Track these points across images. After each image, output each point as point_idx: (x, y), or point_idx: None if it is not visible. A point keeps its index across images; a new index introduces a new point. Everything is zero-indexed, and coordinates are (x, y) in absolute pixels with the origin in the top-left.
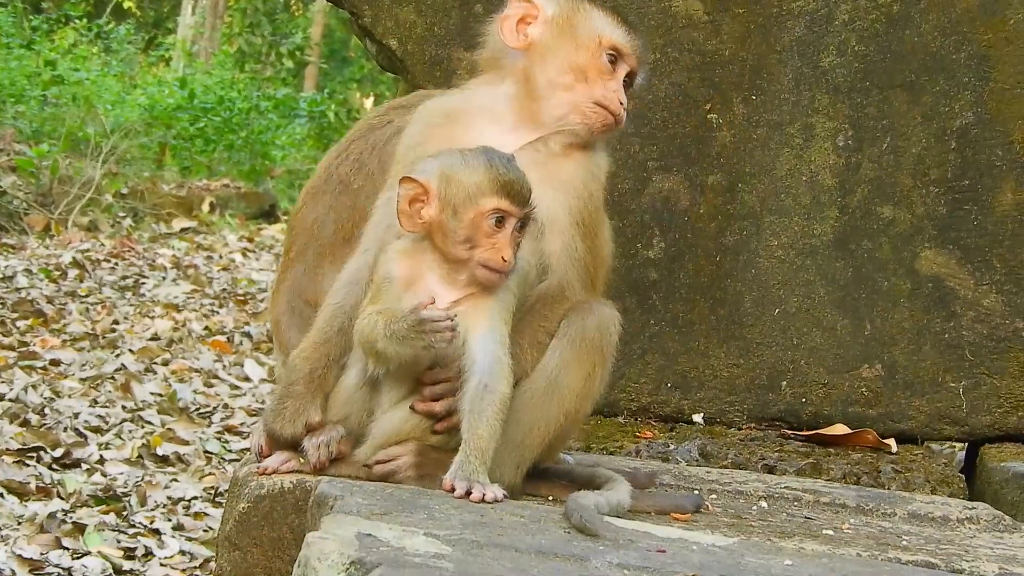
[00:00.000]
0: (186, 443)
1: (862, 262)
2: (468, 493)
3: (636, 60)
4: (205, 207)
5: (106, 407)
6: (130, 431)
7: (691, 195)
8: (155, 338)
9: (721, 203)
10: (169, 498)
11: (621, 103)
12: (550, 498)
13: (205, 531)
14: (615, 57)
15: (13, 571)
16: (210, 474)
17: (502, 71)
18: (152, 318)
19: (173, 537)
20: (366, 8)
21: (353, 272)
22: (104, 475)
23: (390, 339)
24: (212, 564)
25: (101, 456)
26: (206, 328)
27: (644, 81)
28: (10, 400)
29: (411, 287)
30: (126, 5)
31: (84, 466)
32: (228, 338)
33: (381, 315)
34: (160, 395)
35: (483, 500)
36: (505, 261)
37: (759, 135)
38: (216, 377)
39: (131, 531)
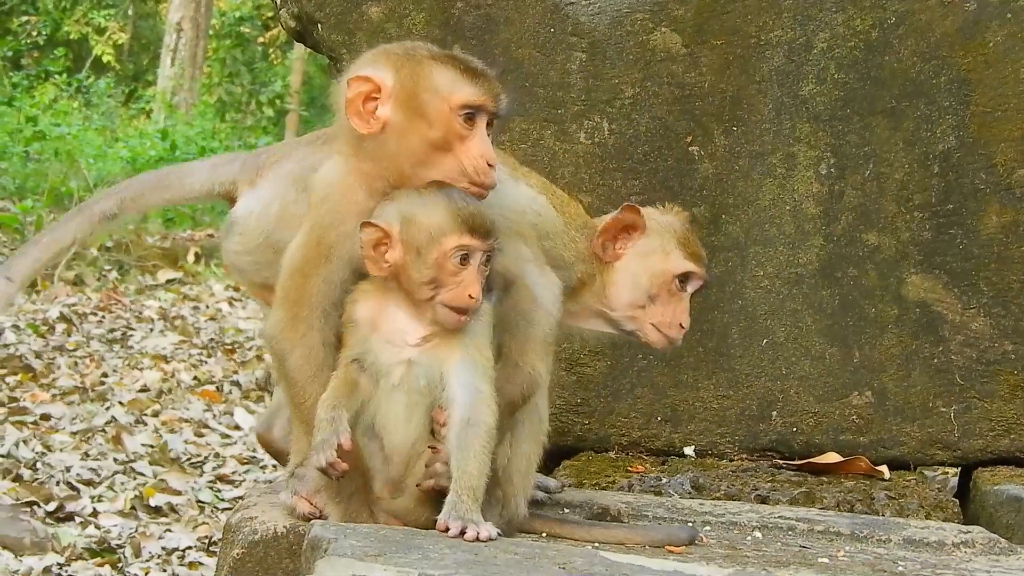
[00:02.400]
0: (179, 493)
1: (848, 289)
2: (462, 533)
3: (493, 102)
4: (190, 258)
5: (98, 460)
6: (122, 483)
7: None
8: (144, 389)
9: (705, 235)
10: (164, 548)
11: (490, 164)
12: (543, 534)
13: None
14: (471, 112)
15: None
16: (203, 523)
17: (363, 152)
18: (141, 370)
19: None
20: (344, 52)
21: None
22: (98, 527)
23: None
24: None
25: (94, 509)
26: (195, 378)
27: (508, 108)
28: (2, 456)
29: (376, 329)
30: (105, 59)
31: (78, 519)
32: (217, 387)
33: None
34: (151, 446)
35: (477, 539)
36: (472, 298)
37: (741, 166)
38: (206, 427)
39: None
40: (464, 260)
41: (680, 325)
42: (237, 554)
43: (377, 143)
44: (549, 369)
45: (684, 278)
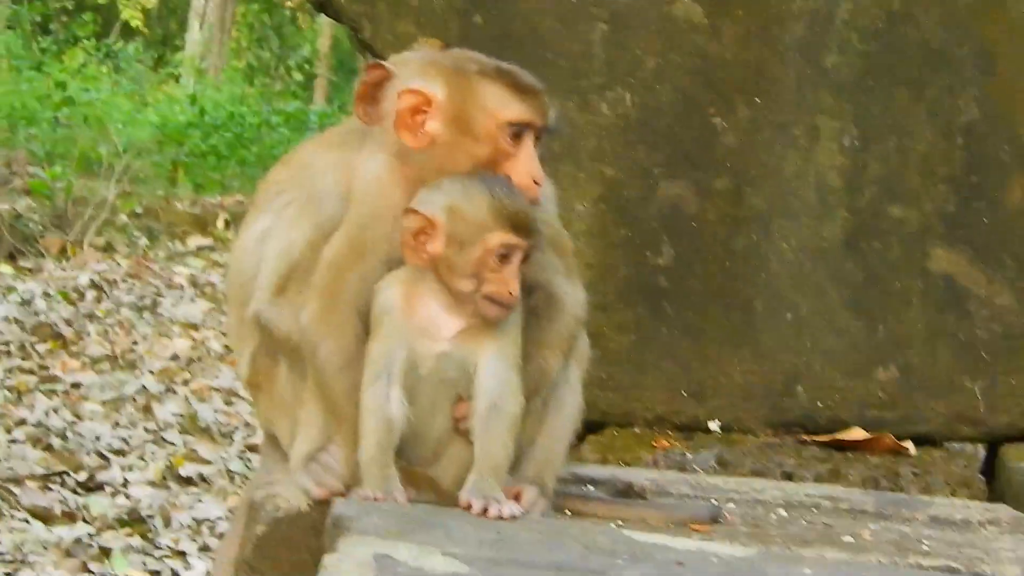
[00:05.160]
0: (208, 463)
1: (873, 263)
2: (485, 510)
3: (541, 118)
4: (220, 224)
5: (128, 429)
6: (153, 452)
7: (698, 200)
8: (175, 358)
9: (729, 207)
10: (194, 519)
11: (536, 181)
12: (567, 512)
13: None
14: (518, 129)
15: None
16: (234, 493)
17: (407, 159)
18: (171, 338)
19: (199, 558)
20: (365, 22)
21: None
22: (128, 497)
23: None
24: None
25: (125, 479)
26: (225, 346)
27: (557, 123)
28: (32, 425)
29: (412, 318)
30: (134, 24)
31: (108, 489)
32: None
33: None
34: (181, 415)
35: (500, 516)
36: (512, 295)
37: (764, 137)
38: (236, 395)
39: (157, 553)
40: (505, 257)
41: None
42: (261, 531)
43: (423, 155)
44: (565, 366)
45: None
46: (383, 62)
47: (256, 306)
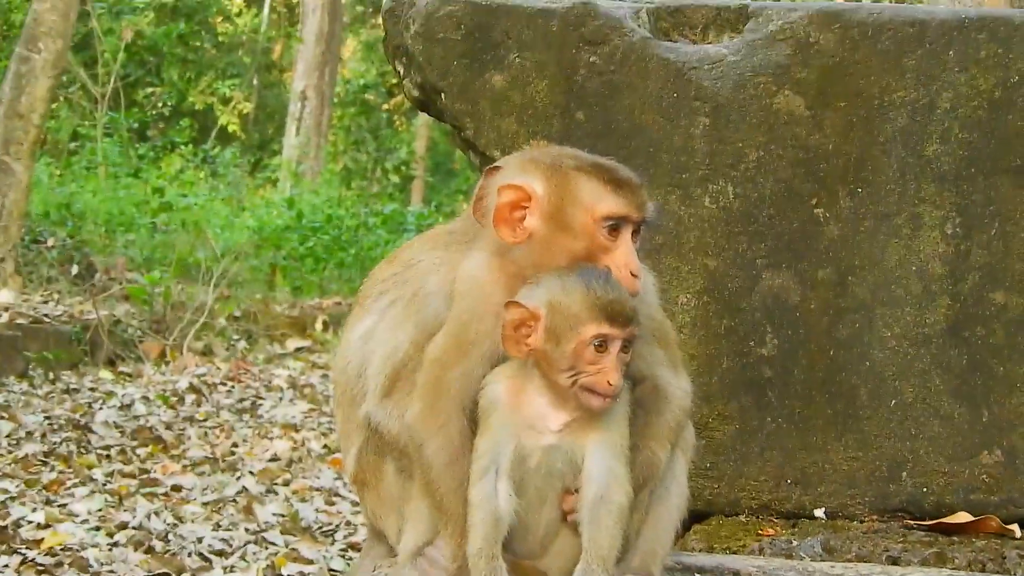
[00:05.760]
0: (311, 562)
1: (976, 349)
2: None
3: (638, 212)
4: (318, 326)
5: (229, 530)
6: (254, 553)
7: (801, 290)
8: (275, 459)
9: (832, 297)
10: None
11: (634, 274)
12: None
13: None
14: (615, 223)
15: None
16: None
17: (506, 255)
18: (271, 439)
19: None
20: (468, 121)
21: None
22: None
23: None
24: None
25: None
26: (325, 447)
27: (654, 216)
28: (134, 528)
29: (519, 411)
30: (231, 129)
31: None
32: None
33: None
34: (282, 515)
35: None
36: (611, 385)
37: (867, 227)
38: (337, 495)
39: None
40: (602, 347)
41: None
42: None
43: (522, 250)
44: (671, 456)
45: None
46: (498, 164)
47: (366, 408)
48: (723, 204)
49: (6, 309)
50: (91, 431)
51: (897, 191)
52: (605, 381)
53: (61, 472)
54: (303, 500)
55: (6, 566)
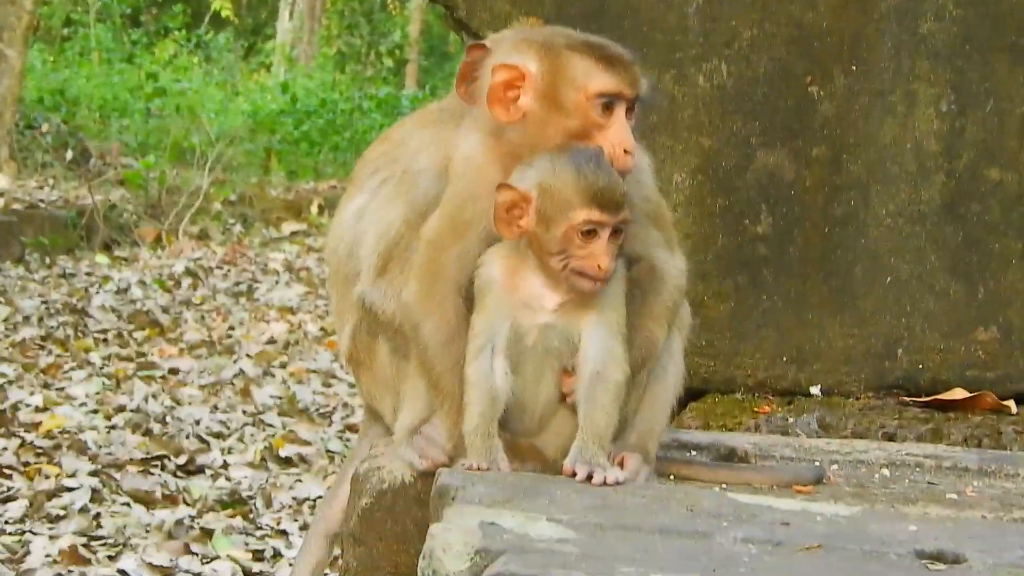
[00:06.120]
0: (308, 444)
1: (972, 225)
2: (589, 477)
3: (631, 88)
4: (314, 209)
5: (227, 412)
6: (252, 435)
7: (796, 169)
8: (271, 342)
9: (827, 175)
10: (294, 499)
11: (627, 151)
12: (671, 476)
13: None
14: (608, 100)
15: None
16: (333, 473)
17: (501, 135)
18: (267, 322)
19: (300, 537)
20: (460, 2)
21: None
22: (228, 479)
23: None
24: (339, 561)
25: (225, 461)
26: (321, 329)
27: (649, 93)
28: (131, 411)
29: (514, 291)
30: (224, 14)
31: (208, 472)
32: None
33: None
34: (279, 398)
35: (604, 483)
36: (601, 269)
37: (861, 105)
38: (334, 377)
39: (258, 533)
40: (591, 234)
41: None
42: (365, 504)
43: (516, 130)
44: (668, 335)
45: None
46: (483, 41)
47: (359, 288)
48: (717, 83)
49: (1, 195)
50: (88, 315)
51: (892, 68)
52: (595, 265)
53: (58, 356)
54: (300, 382)
55: (5, 449)
